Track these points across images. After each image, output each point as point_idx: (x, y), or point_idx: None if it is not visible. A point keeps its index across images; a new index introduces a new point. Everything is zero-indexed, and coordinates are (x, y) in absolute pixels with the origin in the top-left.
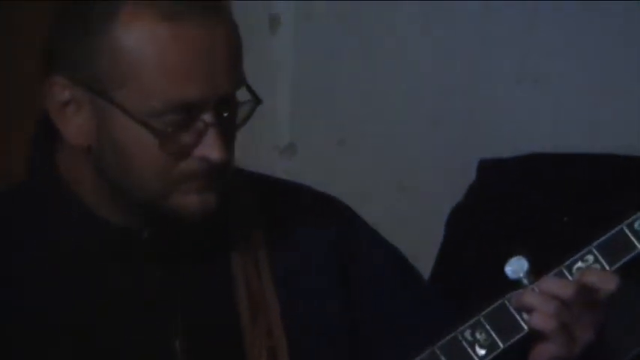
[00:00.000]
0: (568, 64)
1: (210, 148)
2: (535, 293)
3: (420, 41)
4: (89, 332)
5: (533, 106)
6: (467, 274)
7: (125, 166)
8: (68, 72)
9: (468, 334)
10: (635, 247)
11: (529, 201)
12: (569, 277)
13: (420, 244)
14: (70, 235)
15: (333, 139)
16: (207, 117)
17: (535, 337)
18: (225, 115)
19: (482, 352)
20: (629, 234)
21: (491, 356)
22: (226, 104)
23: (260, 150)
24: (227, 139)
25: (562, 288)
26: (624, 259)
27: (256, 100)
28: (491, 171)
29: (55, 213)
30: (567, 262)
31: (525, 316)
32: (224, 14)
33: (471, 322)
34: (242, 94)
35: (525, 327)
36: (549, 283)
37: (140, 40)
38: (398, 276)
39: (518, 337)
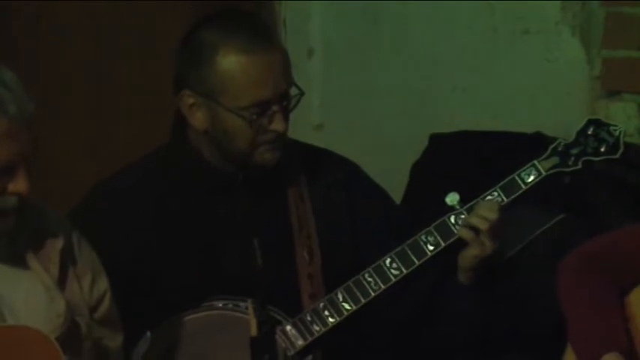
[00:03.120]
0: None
1: (278, 124)
2: (474, 216)
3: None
4: (206, 241)
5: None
6: (424, 204)
7: (229, 139)
8: (191, 86)
9: (423, 237)
10: (520, 187)
11: (460, 159)
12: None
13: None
14: (196, 179)
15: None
16: (275, 107)
17: (461, 246)
18: (284, 103)
19: (431, 247)
20: (518, 180)
21: (436, 251)
22: (284, 98)
23: (300, 127)
24: (286, 118)
25: (490, 213)
26: (515, 194)
27: (301, 92)
28: (437, 141)
29: (186, 166)
30: (482, 195)
31: (456, 227)
32: (277, 43)
33: (425, 230)
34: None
35: (456, 232)
36: (483, 209)
37: (231, 66)
38: (385, 215)
39: (451, 239)
